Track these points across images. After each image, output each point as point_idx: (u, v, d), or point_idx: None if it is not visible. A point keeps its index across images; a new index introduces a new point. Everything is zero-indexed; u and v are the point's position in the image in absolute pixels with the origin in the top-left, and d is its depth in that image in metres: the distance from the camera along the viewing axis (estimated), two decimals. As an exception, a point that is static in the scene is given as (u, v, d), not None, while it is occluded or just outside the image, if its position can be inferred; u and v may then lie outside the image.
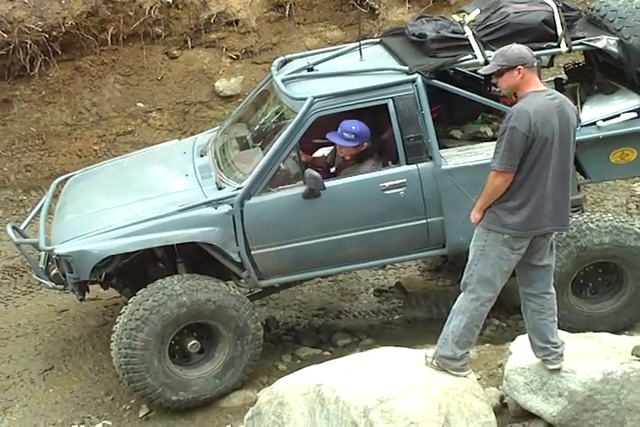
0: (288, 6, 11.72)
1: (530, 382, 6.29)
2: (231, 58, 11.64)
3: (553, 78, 8.70)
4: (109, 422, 7.68)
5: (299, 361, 8.27)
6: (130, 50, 11.46)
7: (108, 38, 11.30)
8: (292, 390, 6.34)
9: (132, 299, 7.59)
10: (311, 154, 8.46)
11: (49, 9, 11.10)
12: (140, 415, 7.79)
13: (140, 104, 11.43)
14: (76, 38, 11.21)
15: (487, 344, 7.80)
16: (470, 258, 6.25)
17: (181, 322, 7.55)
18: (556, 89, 8.00)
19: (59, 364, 8.45)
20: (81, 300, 8.07)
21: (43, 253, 8.14)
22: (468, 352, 6.30)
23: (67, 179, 9.06)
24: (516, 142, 5.90)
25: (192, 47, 11.58)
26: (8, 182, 10.85)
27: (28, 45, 10.94)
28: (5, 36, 10.94)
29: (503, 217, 6.06)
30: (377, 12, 11.88)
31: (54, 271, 7.95)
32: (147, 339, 7.41)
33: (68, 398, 8.06)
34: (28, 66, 11.05)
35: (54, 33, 11.07)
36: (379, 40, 8.65)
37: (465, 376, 6.25)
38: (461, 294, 6.25)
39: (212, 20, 11.58)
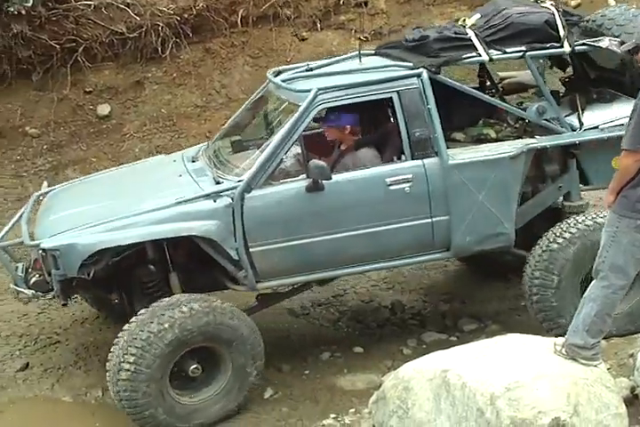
0: (418, -13, 11.67)
1: (663, 374, 6.13)
2: (360, 39, 11.60)
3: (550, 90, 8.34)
4: (235, 403, 7.72)
5: (424, 346, 8.21)
6: (259, 32, 11.55)
7: (238, 20, 11.43)
8: (417, 376, 6.27)
9: (151, 308, 7.20)
10: None
11: (181, -9, 11.25)
12: (266, 397, 7.80)
13: (268, 86, 11.48)
14: (207, 20, 11.36)
15: (618, 333, 7.62)
16: (602, 244, 6.08)
17: (199, 341, 7.21)
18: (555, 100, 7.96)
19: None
20: (64, 305, 7.86)
21: (21, 264, 7.81)
22: (599, 341, 6.13)
23: (47, 192, 8.60)
24: None
25: (321, 29, 11.61)
26: (139, 163, 11.01)
27: (160, 28, 11.13)
28: (138, 18, 11.14)
29: (636, 202, 5.88)
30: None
31: (34, 279, 7.57)
32: (163, 347, 7.05)
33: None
34: (159, 48, 11.24)
35: (185, 15, 11.23)
36: (373, 52, 8.42)
37: (595, 366, 6.09)
38: (593, 282, 6.10)
39: (341, 2, 11.60)
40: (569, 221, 7.69)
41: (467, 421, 5.81)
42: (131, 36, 11.17)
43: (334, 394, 7.76)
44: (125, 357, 7.01)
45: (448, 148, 7.62)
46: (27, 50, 11.03)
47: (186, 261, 7.65)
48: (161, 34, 11.13)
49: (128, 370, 6.99)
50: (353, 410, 7.21)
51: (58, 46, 11.06)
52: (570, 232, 7.60)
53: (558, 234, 7.64)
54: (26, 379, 8.20)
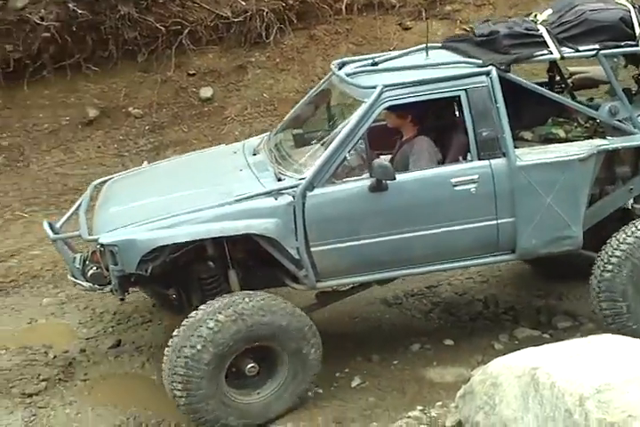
0: (527, -21, 11.49)
1: None
2: (465, 30, 11.44)
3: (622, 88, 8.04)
4: (320, 391, 7.69)
5: (516, 342, 8.10)
6: (364, 20, 11.52)
7: (343, 7, 11.42)
8: (506, 372, 6.19)
9: (181, 327, 7.09)
10: None
11: (287, -23, 11.27)
12: (353, 385, 7.78)
13: (371, 73, 11.45)
14: (312, 7, 11.38)
15: None
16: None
17: (240, 347, 7.08)
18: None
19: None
20: (121, 300, 7.74)
21: (78, 255, 7.75)
22: (695, 346, 6.00)
23: (105, 181, 8.54)
24: None
25: (426, 18, 11.48)
26: (238, 147, 11.09)
27: (265, 13, 11.19)
28: (244, 3, 11.22)
29: None
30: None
31: (91, 271, 7.47)
32: (204, 367, 6.96)
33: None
34: (263, 33, 11.31)
35: (290, 1, 11.28)
36: (440, 45, 8.24)
37: (691, 371, 5.95)
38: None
39: (447, -9, 11.48)
40: (612, 243, 7.48)
41: (554, 421, 5.72)
42: (235, 20, 11.26)
43: (422, 386, 7.71)
44: (174, 384, 7.00)
45: (516, 147, 7.46)
46: (133, 31, 11.19)
47: (245, 258, 7.53)
48: (265, 19, 11.18)
49: (181, 396, 7.00)
50: (440, 403, 7.16)
51: (163, 28, 11.22)
52: (616, 256, 7.41)
53: (606, 260, 7.46)
54: (117, 356, 8.35)
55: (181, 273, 7.57)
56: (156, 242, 7.05)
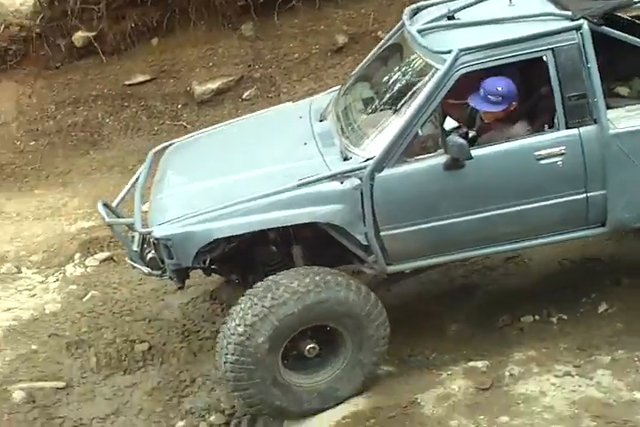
0: None
1: None
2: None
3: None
4: (565, 317, 7.45)
5: None
6: None
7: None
8: None
9: (235, 306, 6.67)
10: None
11: None
12: (599, 311, 7.44)
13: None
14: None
15: None
16: None
17: (298, 326, 6.59)
18: None
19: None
20: (179, 288, 7.30)
21: (137, 235, 7.24)
22: None
23: (165, 148, 8.01)
24: None
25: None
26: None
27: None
28: None
29: None
30: None
31: (150, 255, 7.03)
32: (261, 345, 6.53)
33: (530, 289, 7.92)
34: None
35: None
36: None
37: None
38: None
39: None
40: None
41: None
42: None
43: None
44: (226, 363, 6.64)
45: (609, 107, 6.64)
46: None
47: (311, 237, 6.99)
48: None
49: (232, 372, 6.62)
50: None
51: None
52: None
53: None
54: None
55: (244, 257, 7.17)
56: (212, 235, 6.65)
